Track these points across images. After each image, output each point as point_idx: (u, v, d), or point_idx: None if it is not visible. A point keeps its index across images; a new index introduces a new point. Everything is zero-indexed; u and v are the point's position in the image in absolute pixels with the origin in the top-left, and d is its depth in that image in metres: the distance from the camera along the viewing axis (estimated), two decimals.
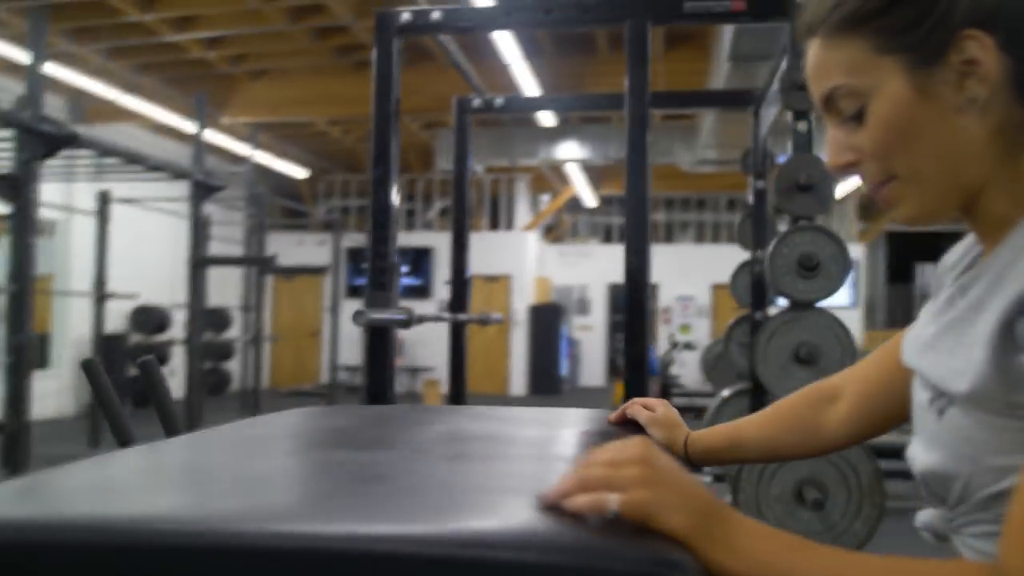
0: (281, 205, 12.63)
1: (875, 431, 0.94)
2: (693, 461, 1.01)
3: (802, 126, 2.24)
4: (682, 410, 3.65)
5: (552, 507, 0.59)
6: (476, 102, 3.58)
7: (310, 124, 11.01)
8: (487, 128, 10.41)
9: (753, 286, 3.26)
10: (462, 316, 3.21)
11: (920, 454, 0.74)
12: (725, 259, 13.67)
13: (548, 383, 13.01)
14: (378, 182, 2.57)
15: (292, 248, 12.82)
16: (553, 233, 15.68)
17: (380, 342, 2.55)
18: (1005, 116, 0.69)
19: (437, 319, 3.00)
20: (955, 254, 0.83)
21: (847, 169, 0.75)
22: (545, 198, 14.82)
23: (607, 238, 15.69)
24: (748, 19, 2.37)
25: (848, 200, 13.18)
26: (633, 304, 2.42)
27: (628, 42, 2.46)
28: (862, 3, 0.71)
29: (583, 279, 15.02)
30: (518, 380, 13.21)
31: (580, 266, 15.06)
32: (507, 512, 0.63)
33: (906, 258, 16.16)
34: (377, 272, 2.56)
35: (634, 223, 2.43)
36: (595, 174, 12.65)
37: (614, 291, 15.63)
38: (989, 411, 0.65)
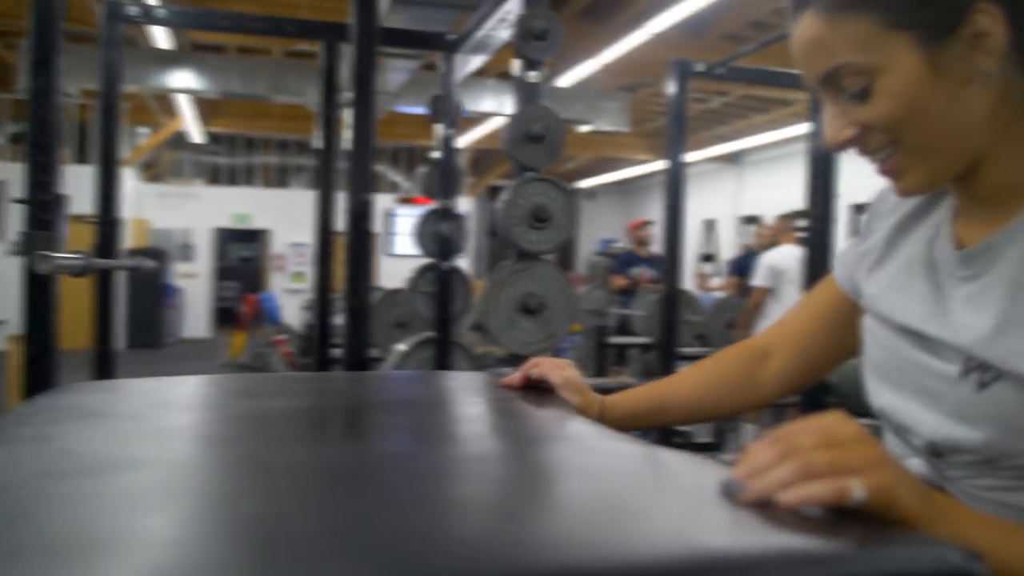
0: None
1: (810, 381, 0.98)
2: (609, 427, 0.95)
3: (534, 76, 2.24)
4: (336, 362, 3.44)
5: (756, 502, 0.49)
6: (132, 10, 3.04)
7: None
8: (79, 45, 9.02)
9: (440, 236, 3.25)
10: (116, 263, 2.75)
11: (932, 420, 0.73)
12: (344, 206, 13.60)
13: (149, 335, 11.92)
14: (39, 95, 2.07)
15: None
16: (152, 171, 14.26)
17: (43, 293, 2.09)
18: (1008, 85, 0.70)
19: (107, 267, 2.53)
20: (887, 203, 0.87)
21: (848, 144, 0.74)
22: (144, 131, 13.38)
23: (214, 179, 14.68)
24: None
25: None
26: (355, 252, 2.27)
27: None
28: None
29: (186, 222, 13.94)
30: (114, 332, 11.89)
31: (183, 208, 13.92)
32: (716, 523, 0.49)
33: None
34: (38, 207, 2.08)
35: (358, 168, 2.28)
36: (203, 108, 11.70)
37: (220, 236, 14.74)
38: None
